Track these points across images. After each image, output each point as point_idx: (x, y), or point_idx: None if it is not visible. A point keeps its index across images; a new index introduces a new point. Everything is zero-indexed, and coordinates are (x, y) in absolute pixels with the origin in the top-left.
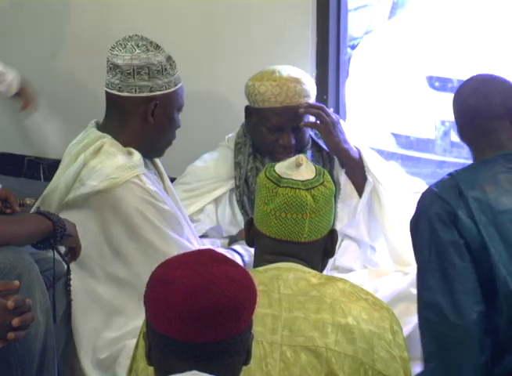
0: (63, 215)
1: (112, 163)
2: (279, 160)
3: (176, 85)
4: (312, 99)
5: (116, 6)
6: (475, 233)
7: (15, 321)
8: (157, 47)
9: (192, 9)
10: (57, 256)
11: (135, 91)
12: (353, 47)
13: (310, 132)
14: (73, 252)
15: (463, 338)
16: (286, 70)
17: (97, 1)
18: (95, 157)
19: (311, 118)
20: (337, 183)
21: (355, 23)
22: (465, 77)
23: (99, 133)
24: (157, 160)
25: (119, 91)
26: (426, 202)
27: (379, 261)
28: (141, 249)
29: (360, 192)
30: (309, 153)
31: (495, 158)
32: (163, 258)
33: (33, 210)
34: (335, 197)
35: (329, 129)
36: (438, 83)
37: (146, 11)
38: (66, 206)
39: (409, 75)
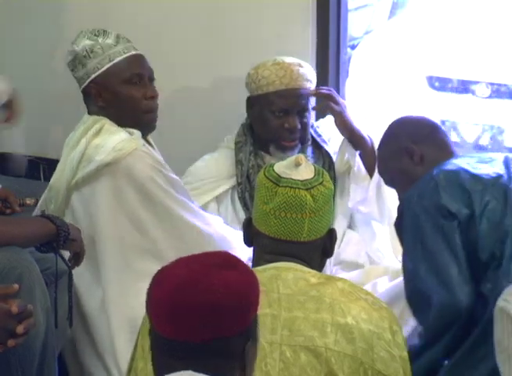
0: (75, 196)
1: (116, 138)
2: (284, 148)
3: (112, 60)
4: (313, 85)
5: (116, 4)
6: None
7: (19, 328)
8: (91, 34)
9: (192, 8)
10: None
11: (81, 83)
12: (353, 47)
13: (310, 130)
14: (77, 257)
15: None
16: (286, 58)
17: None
18: (97, 137)
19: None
20: (336, 175)
21: (355, 23)
22: (465, 77)
23: (96, 117)
24: (153, 144)
25: (80, 88)
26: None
27: (382, 249)
28: (155, 214)
29: (371, 172)
30: (309, 149)
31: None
32: (177, 222)
33: (41, 200)
34: (334, 197)
35: (342, 110)
36: (438, 83)
37: (145, 10)
38: (76, 187)
39: (409, 75)
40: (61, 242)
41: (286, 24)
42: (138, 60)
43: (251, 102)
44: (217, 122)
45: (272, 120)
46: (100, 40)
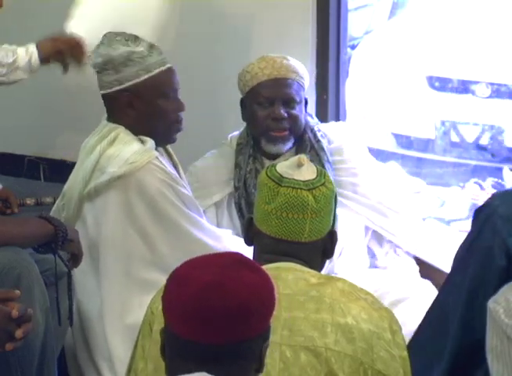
0: (87, 206)
1: (129, 149)
2: (273, 139)
3: (150, 72)
4: (304, 80)
5: (115, 4)
6: None
7: (18, 333)
8: (129, 40)
9: (192, 8)
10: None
11: (108, 87)
12: (353, 47)
13: (309, 134)
14: (75, 258)
15: None
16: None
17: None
18: (111, 146)
19: (302, 94)
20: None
21: (355, 23)
22: (465, 77)
23: (112, 125)
24: (171, 151)
25: (100, 90)
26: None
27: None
28: (164, 229)
29: None
30: (308, 157)
31: None
32: (185, 237)
33: (54, 207)
34: (335, 199)
35: None
36: (438, 83)
37: (145, 10)
38: (88, 196)
39: (409, 75)
40: (59, 243)
41: (286, 24)
42: (173, 74)
43: (243, 102)
44: (217, 122)
45: (259, 111)
46: (136, 48)
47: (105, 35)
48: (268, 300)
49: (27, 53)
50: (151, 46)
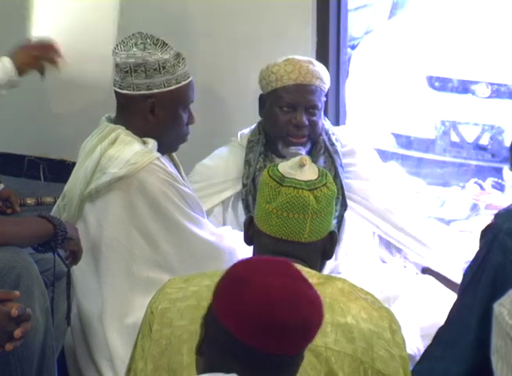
0: (88, 207)
1: (130, 149)
2: (292, 144)
3: (179, 83)
4: (326, 85)
5: (115, 4)
6: None
7: (17, 332)
8: (158, 45)
9: (193, 9)
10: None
11: (133, 88)
12: (353, 47)
13: (324, 137)
14: (75, 256)
15: None
16: (300, 56)
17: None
18: (112, 147)
19: (323, 99)
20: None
21: (355, 23)
22: (465, 77)
23: (113, 125)
24: (173, 154)
25: (120, 88)
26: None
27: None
28: (166, 228)
29: None
30: (321, 159)
31: None
32: (187, 236)
33: (55, 208)
34: (344, 200)
35: None
36: (438, 83)
37: (146, 11)
38: (89, 197)
39: (409, 75)
40: (59, 241)
41: (286, 24)
42: (193, 87)
43: (263, 100)
44: (217, 122)
45: (280, 115)
46: (167, 56)
47: (134, 36)
48: (322, 314)
49: (2, 70)
50: (178, 55)
